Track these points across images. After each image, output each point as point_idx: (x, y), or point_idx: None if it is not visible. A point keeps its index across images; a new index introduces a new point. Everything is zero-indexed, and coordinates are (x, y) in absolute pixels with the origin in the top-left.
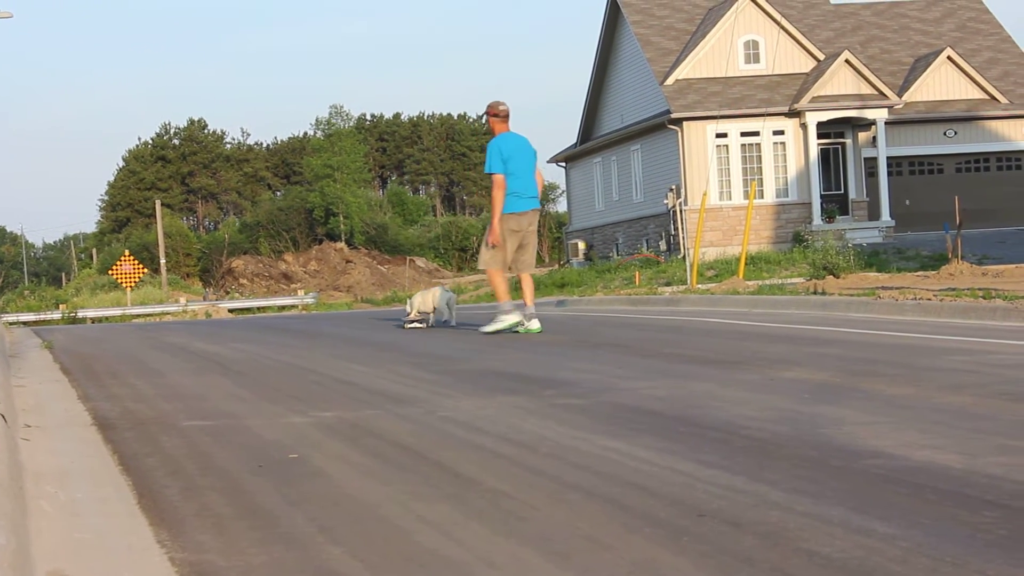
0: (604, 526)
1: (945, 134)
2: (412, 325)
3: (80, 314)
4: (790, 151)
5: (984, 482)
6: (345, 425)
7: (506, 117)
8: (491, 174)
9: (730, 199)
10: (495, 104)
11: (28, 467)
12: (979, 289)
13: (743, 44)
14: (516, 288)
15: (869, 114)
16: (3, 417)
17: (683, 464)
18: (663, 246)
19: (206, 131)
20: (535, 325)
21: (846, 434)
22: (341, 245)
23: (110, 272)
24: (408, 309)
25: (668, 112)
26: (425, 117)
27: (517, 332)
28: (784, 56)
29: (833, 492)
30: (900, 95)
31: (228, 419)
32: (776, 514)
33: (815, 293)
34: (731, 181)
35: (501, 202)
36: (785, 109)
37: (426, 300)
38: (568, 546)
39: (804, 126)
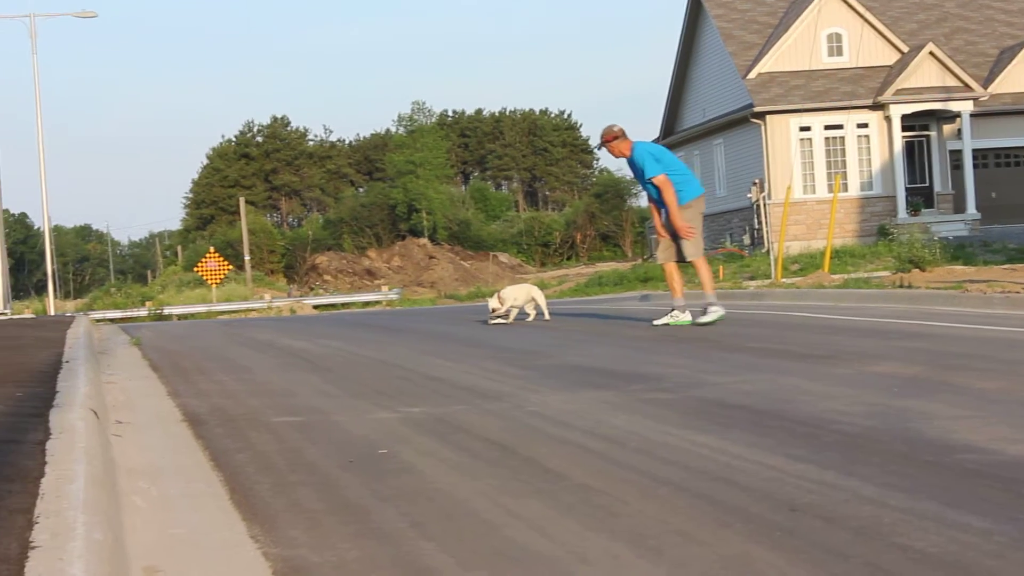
0: (696, 521)
1: None
2: (496, 320)
3: (166, 311)
4: (874, 144)
5: None
6: (433, 420)
7: (603, 146)
8: (653, 178)
9: (814, 192)
10: (609, 129)
11: (120, 463)
12: None
13: (826, 37)
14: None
15: (954, 106)
16: (95, 413)
17: (773, 459)
18: (747, 240)
19: (289, 128)
20: (701, 318)
21: (937, 428)
22: (424, 241)
23: (196, 269)
24: (497, 305)
25: (751, 106)
26: (507, 112)
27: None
28: (868, 49)
29: (926, 487)
30: (985, 87)
31: (316, 415)
32: (869, 509)
33: (901, 287)
34: (815, 175)
35: (675, 196)
36: (869, 102)
37: (516, 296)
38: (660, 541)
39: (888, 119)
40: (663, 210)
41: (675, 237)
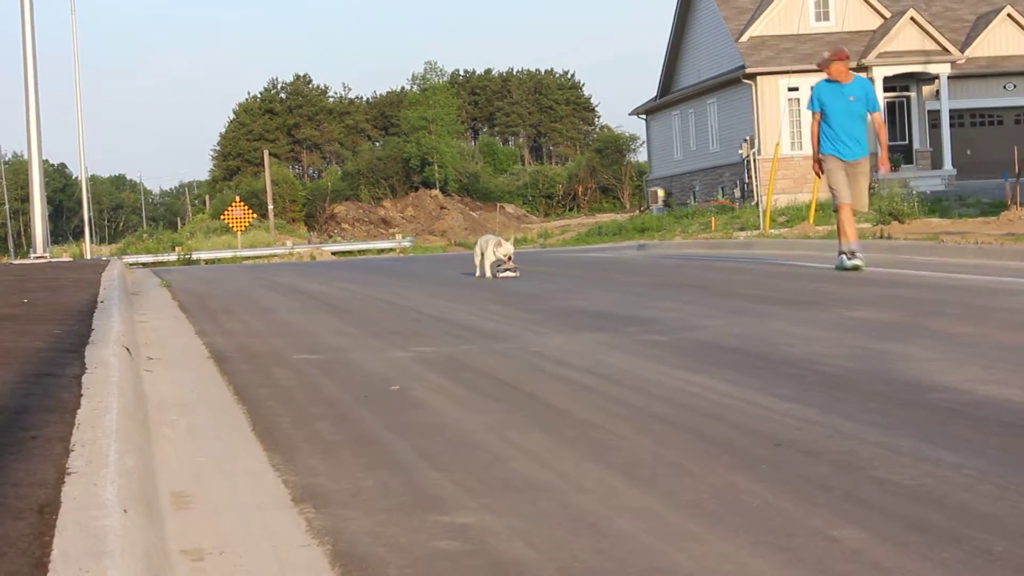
0: (686, 454)
1: (1005, 87)
2: (504, 274)
3: (194, 256)
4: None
5: None
6: (443, 359)
7: (829, 62)
8: (876, 113)
9: (801, 149)
10: (843, 49)
11: (151, 397)
12: None
13: (813, 3)
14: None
15: (933, 69)
16: (127, 350)
17: (760, 397)
18: (737, 193)
19: (310, 86)
20: (851, 262)
21: (914, 370)
22: (436, 192)
23: (222, 217)
24: (485, 258)
25: (743, 67)
26: (514, 72)
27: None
28: (852, 14)
29: (902, 424)
30: (962, 51)
31: (334, 353)
32: (849, 444)
33: (882, 238)
34: (802, 132)
35: (814, 139)
36: (853, 64)
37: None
38: (653, 472)
39: (871, 80)
40: (861, 148)
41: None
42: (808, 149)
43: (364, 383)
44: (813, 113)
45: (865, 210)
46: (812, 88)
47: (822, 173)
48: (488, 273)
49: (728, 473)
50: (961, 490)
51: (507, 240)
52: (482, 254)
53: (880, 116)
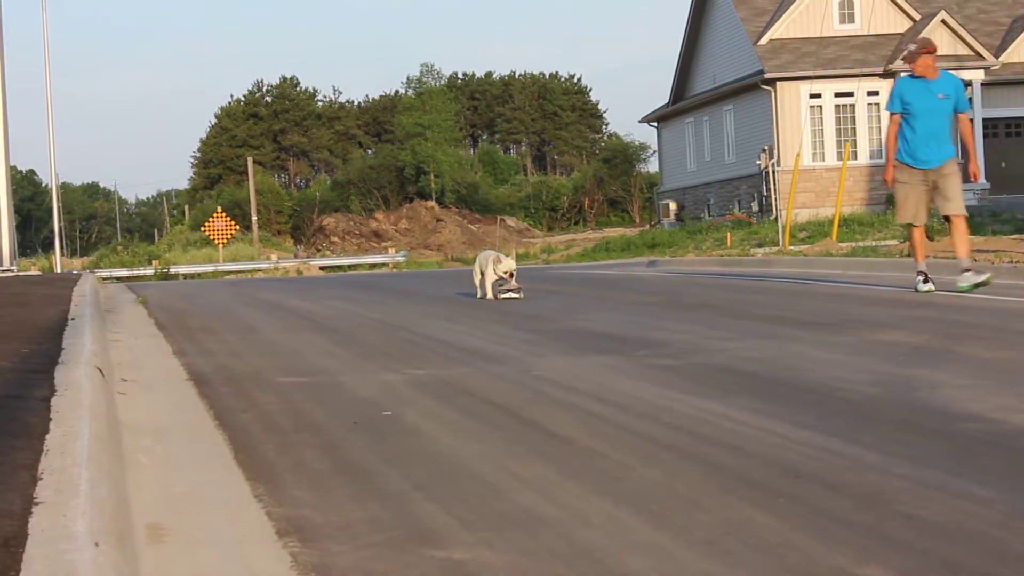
0: (699, 486)
1: None
2: (507, 295)
3: (172, 270)
4: (884, 112)
5: None
6: (438, 383)
7: (916, 55)
8: (964, 113)
9: (823, 160)
10: (930, 41)
11: (125, 421)
12: None
13: (837, 3)
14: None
15: (965, 75)
16: (100, 371)
17: (777, 425)
18: (755, 207)
19: (298, 89)
20: (966, 281)
21: (942, 397)
22: (432, 203)
23: (203, 229)
24: (486, 277)
25: (761, 72)
26: (517, 76)
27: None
28: (879, 16)
29: (929, 455)
30: (997, 56)
31: (322, 376)
32: (873, 476)
33: (909, 256)
34: (824, 142)
35: (890, 142)
36: (880, 70)
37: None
38: (664, 506)
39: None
40: (948, 151)
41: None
42: (831, 160)
43: (354, 408)
44: (892, 115)
45: (964, 214)
46: (893, 84)
47: (894, 183)
48: (489, 294)
49: (744, 507)
50: (993, 527)
51: (508, 256)
52: (482, 273)
53: (968, 117)
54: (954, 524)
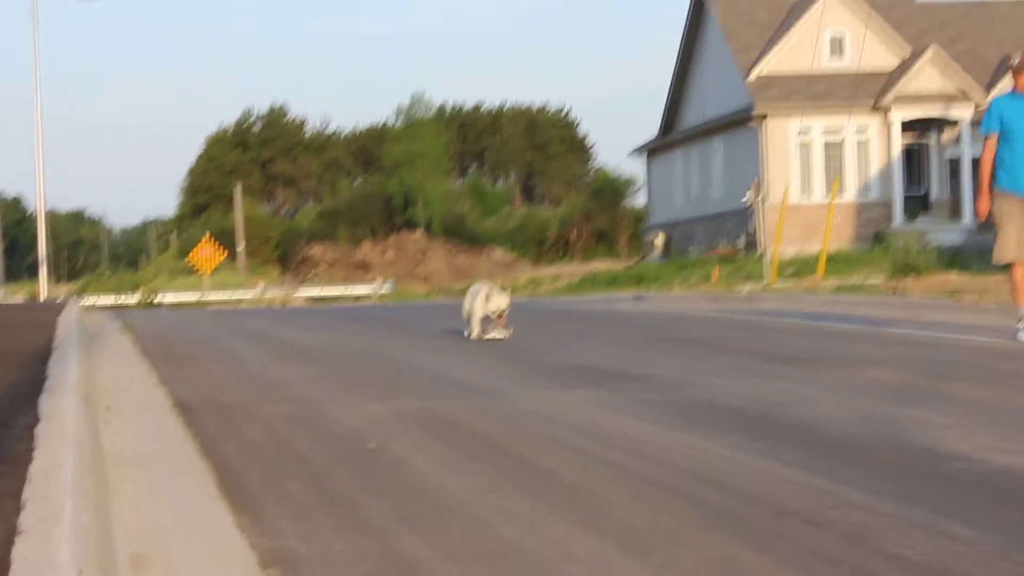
0: (684, 522)
1: None
2: (491, 335)
3: (157, 299)
4: (873, 149)
5: None
6: (424, 415)
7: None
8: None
9: (810, 197)
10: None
11: (109, 450)
12: None
13: (828, 39)
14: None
15: (954, 113)
16: (85, 399)
17: (762, 462)
18: (742, 243)
19: (287, 118)
20: None
21: (927, 436)
22: (418, 234)
23: (188, 260)
24: (474, 314)
25: (751, 106)
26: (505, 108)
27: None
28: (870, 52)
29: (915, 494)
30: (987, 93)
31: (308, 407)
32: (858, 515)
33: (895, 294)
34: (812, 178)
35: (986, 168)
36: (870, 106)
37: (498, 302)
38: (648, 541)
39: (888, 124)
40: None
41: None
42: (818, 197)
43: (339, 440)
44: (987, 137)
45: None
46: (991, 103)
47: (990, 213)
48: (476, 331)
49: (728, 544)
50: (978, 567)
51: (502, 291)
52: (471, 308)
53: None
54: (939, 564)
